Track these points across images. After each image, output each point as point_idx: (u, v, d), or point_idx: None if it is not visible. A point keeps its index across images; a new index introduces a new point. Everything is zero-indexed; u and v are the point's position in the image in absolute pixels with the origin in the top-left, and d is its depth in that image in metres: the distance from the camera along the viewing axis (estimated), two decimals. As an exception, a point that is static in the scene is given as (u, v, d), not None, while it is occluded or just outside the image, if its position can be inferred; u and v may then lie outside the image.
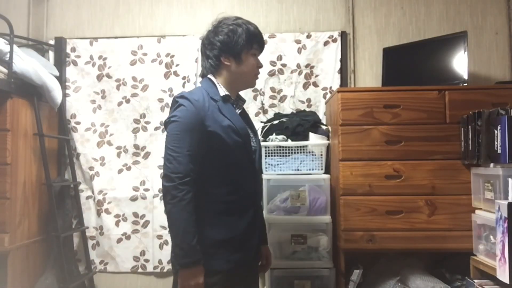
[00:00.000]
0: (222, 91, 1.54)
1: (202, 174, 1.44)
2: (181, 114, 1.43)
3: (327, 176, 2.29)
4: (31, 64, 2.31)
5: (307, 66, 2.68)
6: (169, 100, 2.69)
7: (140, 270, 2.69)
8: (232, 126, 1.48)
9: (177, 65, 2.72)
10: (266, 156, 2.33)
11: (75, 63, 2.78)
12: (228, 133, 1.46)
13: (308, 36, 2.69)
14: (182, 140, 1.40)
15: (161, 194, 2.67)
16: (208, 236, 1.44)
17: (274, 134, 2.39)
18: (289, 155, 2.34)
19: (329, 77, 2.67)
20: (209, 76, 1.58)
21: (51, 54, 2.79)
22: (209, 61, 1.58)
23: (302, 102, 2.68)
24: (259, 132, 2.47)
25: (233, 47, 1.53)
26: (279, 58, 2.69)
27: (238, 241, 1.47)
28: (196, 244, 1.37)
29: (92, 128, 2.75)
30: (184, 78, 2.71)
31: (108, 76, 2.75)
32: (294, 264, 2.20)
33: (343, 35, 2.69)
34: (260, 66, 1.62)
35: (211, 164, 1.46)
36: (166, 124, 1.48)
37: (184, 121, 1.42)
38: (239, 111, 1.62)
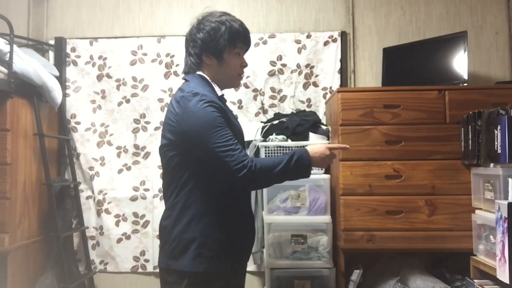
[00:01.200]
0: (219, 91, 1.49)
1: (211, 176, 1.39)
2: (213, 111, 1.35)
3: (327, 176, 2.29)
4: (31, 64, 2.31)
5: (307, 66, 2.68)
6: (169, 100, 2.69)
7: (140, 270, 2.69)
8: (237, 126, 1.48)
9: (177, 65, 2.72)
10: (266, 156, 2.33)
11: (75, 63, 2.78)
12: (235, 133, 1.41)
13: (308, 36, 2.69)
14: (222, 130, 1.34)
15: (161, 194, 2.67)
16: (215, 239, 1.39)
17: (274, 134, 2.39)
18: (289, 155, 2.34)
19: (329, 77, 2.67)
20: (199, 73, 1.50)
21: (51, 54, 2.79)
22: (190, 58, 1.51)
23: (302, 102, 2.68)
24: (259, 132, 2.48)
25: (214, 46, 1.45)
26: (279, 58, 2.69)
27: (245, 242, 1.50)
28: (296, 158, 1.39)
29: (92, 128, 2.75)
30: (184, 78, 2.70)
31: (108, 76, 2.75)
32: (294, 264, 2.20)
33: (343, 35, 2.69)
34: (245, 65, 1.54)
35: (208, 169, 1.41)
36: (183, 121, 1.36)
37: (216, 116, 1.35)
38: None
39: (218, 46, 1.45)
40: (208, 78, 1.49)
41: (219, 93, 1.49)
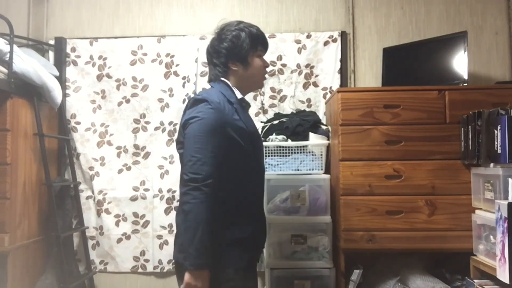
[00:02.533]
0: (239, 94, 1.58)
1: (222, 176, 1.43)
2: (204, 116, 1.42)
3: (327, 176, 2.29)
4: (31, 64, 2.31)
5: (307, 66, 2.68)
6: (169, 100, 2.71)
7: (140, 270, 2.69)
8: (248, 130, 1.52)
9: (177, 65, 2.72)
10: (266, 156, 2.33)
11: (75, 63, 2.78)
12: (244, 138, 1.49)
13: (308, 36, 2.69)
14: (205, 142, 1.40)
15: (161, 194, 2.68)
16: (223, 235, 1.46)
17: (274, 134, 2.39)
18: (289, 155, 2.34)
19: (329, 77, 2.67)
20: (223, 78, 1.60)
21: (51, 54, 2.79)
22: (217, 69, 1.60)
23: (302, 102, 2.68)
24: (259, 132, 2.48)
25: (239, 52, 1.57)
26: (279, 58, 2.69)
27: (254, 240, 1.54)
28: (210, 247, 1.37)
29: (92, 128, 2.75)
30: (184, 78, 2.71)
31: (108, 76, 2.75)
32: (294, 264, 2.20)
33: (343, 35, 2.69)
34: (267, 65, 1.66)
35: (230, 167, 1.46)
36: (186, 124, 1.46)
37: (207, 123, 1.42)
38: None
39: (242, 52, 1.57)
40: (230, 83, 1.59)
41: (239, 96, 1.58)
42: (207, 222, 1.36)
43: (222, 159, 1.42)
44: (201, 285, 1.36)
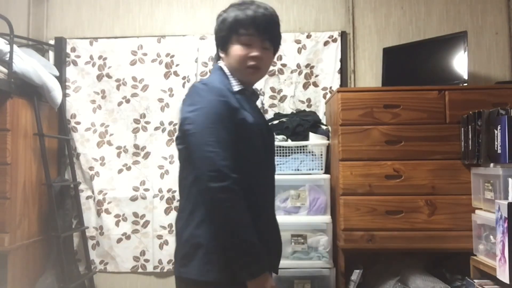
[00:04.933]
0: (235, 84, 1.36)
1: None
2: (208, 104, 1.24)
3: (327, 176, 2.29)
4: (31, 64, 2.31)
5: (307, 66, 2.68)
6: (169, 100, 2.71)
7: (140, 270, 2.69)
8: (254, 122, 1.30)
9: (177, 65, 2.72)
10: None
11: (75, 63, 2.78)
12: (250, 129, 1.29)
13: (308, 36, 2.69)
14: (218, 131, 1.21)
15: (161, 194, 2.67)
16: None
17: (274, 134, 2.39)
18: (289, 155, 2.34)
19: (329, 77, 2.67)
20: (219, 63, 1.40)
21: (51, 54, 2.79)
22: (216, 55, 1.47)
23: (302, 102, 2.68)
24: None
25: (219, 38, 1.39)
26: (279, 58, 2.69)
27: (265, 241, 1.29)
28: (261, 250, 1.21)
29: (92, 128, 2.75)
30: (184, 78, 2.71)
31: (108, 76, 2.75)
32: (294, 264, 2.20)
33: (343, 35, 2.68)
34: (253, 55, 1.32)
35: (237, 161, 1.23)
36: (186, 118, 1.26)
37: (215, 111, 1.23)
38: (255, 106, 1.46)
39: (220, 37, 1.38)
40: (227, 71, 1.38)
41: (236, 88, 1.34)
42: (250, 225, 1.19)
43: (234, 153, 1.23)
44: (270, 286, 1.22)
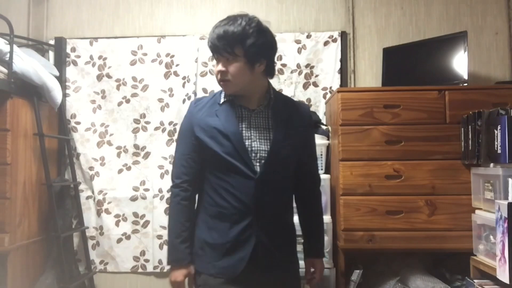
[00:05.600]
0: (223, 96, 1.51)
1: (201, 177, 1.51)
2: (183, 121, 1.56)
3: (327, 176, 2.29)
4: (31, 64, 2.31)
5: (307, 66, 2.68)
6: (169, 100, 2.71)
7: (140, 270, 2.69)
8: (220, 129, 1.43)
9: (177, 65, 2.72)
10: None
11: (75, 63, 2.78)
12: (215, 138, 1.43)
13: (308, 36, 2.69)
14: (178, 146, 1.55)
15: (161, 194, 2.68)
16: (199, 237, 1.49)
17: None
18: (289, 155, 2.33)
19: (329, 77, 2.67)
20: None
21: (51, 54, 2.79)
22: None
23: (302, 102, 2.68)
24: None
25: None
26: (279, 58, 2.69)
27: (225, 248, 1.43)
28: (179, 244, 1.47)
29: (92, 128, 2.75)
30: (184, 78, 2.71)
31: (108, 76, 2.75)
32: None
33: (343, 35, 2.68)
34: (217, 71, 1.45)
35: (205, 169, 1.50)
36: None
37: (181, 128, 1.56)
38: (253, 115, 1.49)
39: None
40: None
41: (222, 100, 1.50)
42: (175, 221, 1.50)
43: (202, 160, 1.50)
44: (173, 280, 1.50)
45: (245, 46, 1.39)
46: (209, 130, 1.45)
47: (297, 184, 1.60)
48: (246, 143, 1.44)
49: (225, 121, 1.45)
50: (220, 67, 1.44)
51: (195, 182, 1.51)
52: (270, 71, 1.51)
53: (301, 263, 1.63)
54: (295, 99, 2.67)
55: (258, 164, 1.44)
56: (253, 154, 1.44)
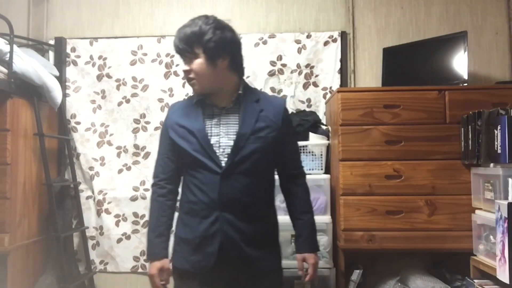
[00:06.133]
0: (196, 96, 1.55)
1: (180, 177, 1.60)
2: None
3: (327, 176, 2.29)
4: (31, 64, 2.31)
5: (307, 66, 2.68)
6: (169, 100, 2.71)
7: (140, 270, 2.69)
8: (187, 128, 1.50)
9: (177, 65, 2.72)
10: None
11: (75, 63, 2.78)
12: (184, 136, 1.50)
13: (308, 36, 2.69)
14: (158, 147, 1.61)
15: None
16: (176, 234, 1.56)
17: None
18: (289, 155, 2.33)
19: (329, 77, 2.67)
20: None
21: (51, 54, 2.79)
22: None
23: (302, 102, 2.68)
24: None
25: None
26: (279, 58, 2.69)
27: (196, 243, 1.48)
28: (154, 239, 1.53)
29: (92, 128, 2.75)
30: (184, 78, 2.70)
31: (108, 76, 2.75)
32: (294, 264, 2.18)
33: (343, 35, 2.68)
34: (182, 70, 1.53)
35: (182, 168, 1.57)
36: None
37: (161, 130, 1.63)
38: (223, 112, 1.52)
39: None
40: None
41: (195, 100, 1.55)
42: (151, 217, 1.57)
43: (174, 159, 1.56)
44: (149, 273, 1.52)
45: (203, 43, 1.44)
46: (180, 130, 1.52)
47: (279, 178, 1.63)
48: (214, 140, 1.48)
49: (193, 119, 1.52)
50: (184, 67, 1.51)
51: (172, 180, 1.58)
52: (236, 67, 1.53)
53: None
54: (295, 99, 2.68)
55: (226, 159, 1.46)
56: (221, 150, 1.47)
